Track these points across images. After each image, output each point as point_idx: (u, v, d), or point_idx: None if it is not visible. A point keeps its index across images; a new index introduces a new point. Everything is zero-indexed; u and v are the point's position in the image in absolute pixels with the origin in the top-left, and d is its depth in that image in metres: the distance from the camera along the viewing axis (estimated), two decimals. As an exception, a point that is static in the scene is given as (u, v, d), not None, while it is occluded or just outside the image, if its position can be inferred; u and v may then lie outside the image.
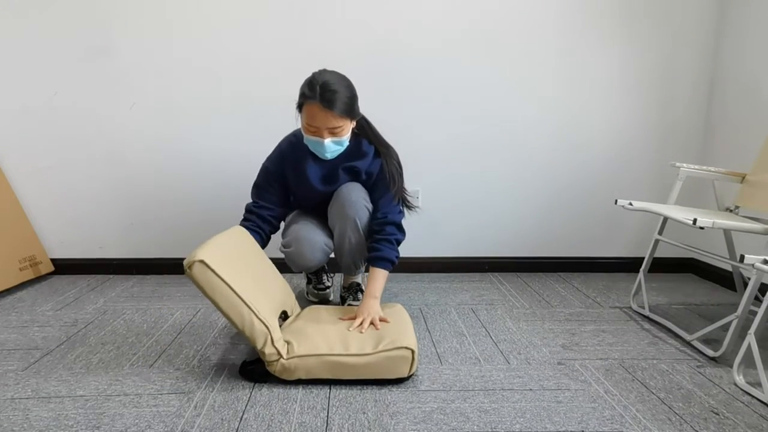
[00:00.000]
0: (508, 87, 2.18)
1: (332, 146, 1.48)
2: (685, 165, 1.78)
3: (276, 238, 1.71)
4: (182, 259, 2.23)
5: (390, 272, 1.59)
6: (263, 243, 1.61)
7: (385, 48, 2.11)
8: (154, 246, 2.23)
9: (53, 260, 2.21)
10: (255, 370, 1.32)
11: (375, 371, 1.28)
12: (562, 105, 2.21)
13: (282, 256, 1.67)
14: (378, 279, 1.54)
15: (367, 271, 2.32)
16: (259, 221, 1.60)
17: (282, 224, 1.73)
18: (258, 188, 1.65)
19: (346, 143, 1.52)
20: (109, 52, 2.06)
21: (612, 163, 2.27)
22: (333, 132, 1.45)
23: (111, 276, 2.22)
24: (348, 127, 1.49)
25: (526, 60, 2.16)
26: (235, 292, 1.25)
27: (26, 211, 2.17)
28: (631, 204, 1.67)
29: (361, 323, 1.40)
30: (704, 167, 1.79)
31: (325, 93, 1.39)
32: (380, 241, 1.57)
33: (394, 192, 1.61)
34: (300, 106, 1.47)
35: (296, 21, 2.07)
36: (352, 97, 1.47)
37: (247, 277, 1.33)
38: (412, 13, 2.10)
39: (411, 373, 1.30)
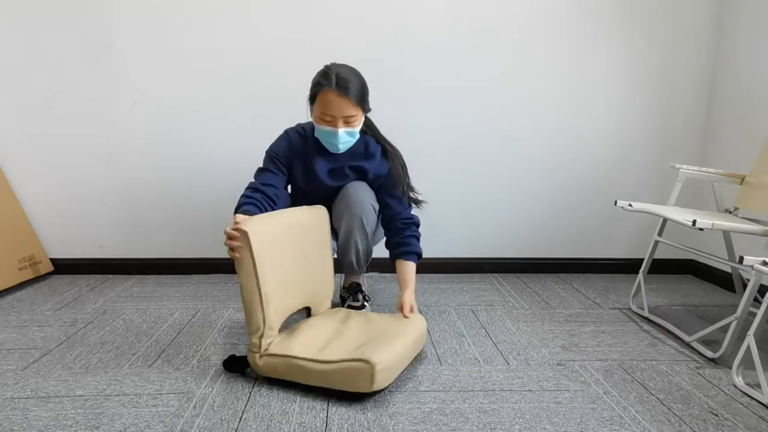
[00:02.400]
0: (508, 88, 2.18)
1: (345, 137, 1.48)
2: (684, 166, 1.79)
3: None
4: (182, 260, 2.24)
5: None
6: None
7: (386, 48, 2.11)
8: (153, 246, 2.23)
9: (53, 260, 2.21)
10: (236, 361, 1.33)
11: (334, 381, 1.21)
12: (561, 106, 2.21)
13: None
14: (412, 271, 1.59)
15: (370, 271, 2.32)
16: (265, 200, 1.49)
17: None
18: (263, 170, 1.58)
19: (357, 136, 1.53)
20: (109, 52, 2.07)
21: (612, 165, 2.28)
22: (347, 121, 1.46)
23: (110, 276, 2.22)
24: (360, 119, 1.50)
25: (527, 62, 2.16)
26: (256, 275, 1.26)
27: (26, 211, 2.16)
28: (630, 205, 1.67)
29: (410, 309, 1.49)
30: (704, 169, 1.79)
31: (340, 81, 1.42)
32: (408, 237, 1.61)
33: (403, 190, 1.63)
34: (313, 97, 1.48)
35: (297, 21, 2.07)
36: (365, 88, 1.50)
37: (281, 263, 1.34)
38: (413, 14, 2.10)
39: (377, 388, 1.19)
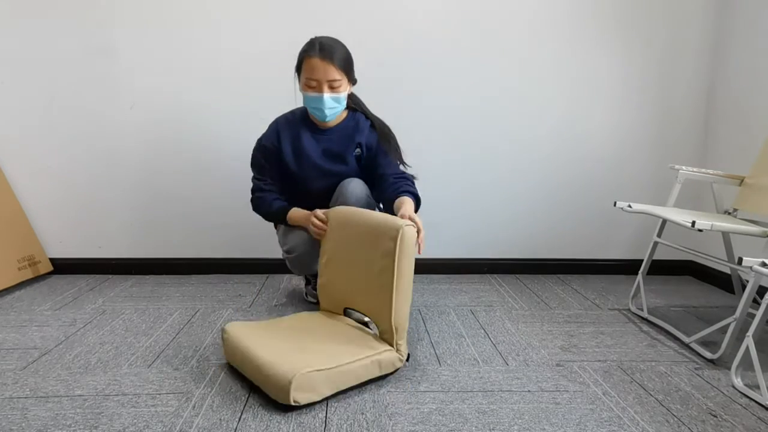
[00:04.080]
0: (508, 89, 2.18)
1: (331, 102, 1.51)
2: (683, 167, 1.79)
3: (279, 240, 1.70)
4: (181, 259, 2.24)
5: None
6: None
7: (387, 49, 2.12)
8: (153, 246, 2.23)
9: (52, 260, 2.21)
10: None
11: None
12: (561, 107, 2.22)
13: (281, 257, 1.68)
14: (410, 202, 1.45)
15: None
16: (275, 195, 1.64)
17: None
18: (259, 168, 1.67)
19: (344, 104, 1.56)
20: (109, 52, 2.07)
21: (611, 166, 2.28)
22: (332, 86, 1.50)
23: (110, 276, 2.22)
24: (345, 86, 1.53)
25: (526, 63, 2.17)
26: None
27: (25, 211, 2.16)
28: (630, 206, 1.67)
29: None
30: (703, 170, 1.79)
31: (324, 47, 1.48)
32: (403, 184, 1.53)
33: (393, 155, 1.64)
34: (299, 66, 1.53)
35: (298, 21, 2.07)
36: (350, 58, 1.54)
37: (342, 252, 1.46)
38: (413, 14, 2.10)
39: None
